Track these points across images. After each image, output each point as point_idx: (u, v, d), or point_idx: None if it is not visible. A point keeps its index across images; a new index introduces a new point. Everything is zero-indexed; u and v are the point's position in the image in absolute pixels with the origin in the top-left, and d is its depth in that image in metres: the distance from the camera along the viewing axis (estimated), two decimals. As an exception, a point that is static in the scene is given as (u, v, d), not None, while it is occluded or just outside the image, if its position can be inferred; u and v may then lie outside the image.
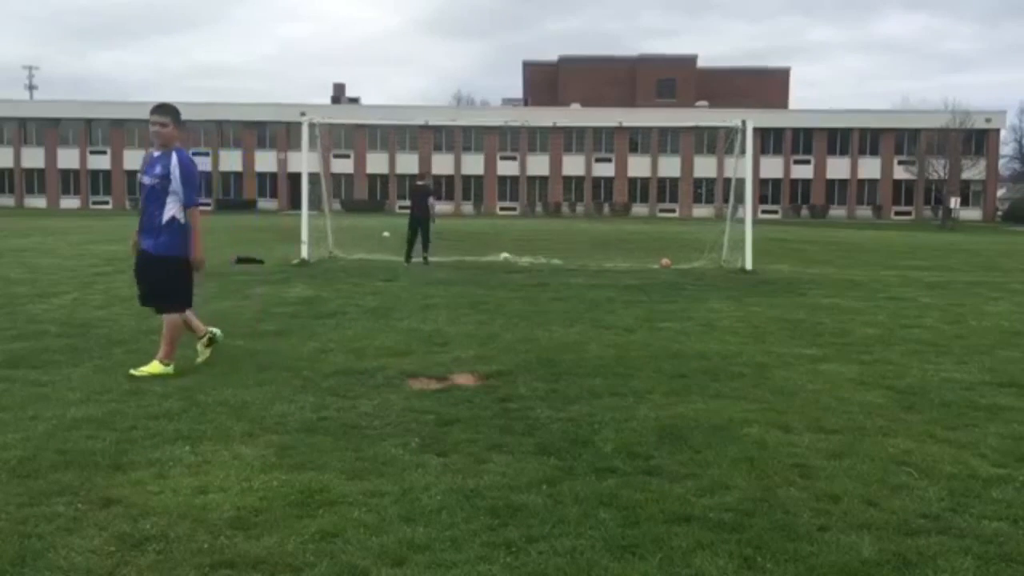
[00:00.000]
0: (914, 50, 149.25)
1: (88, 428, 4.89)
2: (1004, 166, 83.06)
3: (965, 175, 62.93)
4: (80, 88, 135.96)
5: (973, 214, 67.05)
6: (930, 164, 62.58)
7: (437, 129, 67.70)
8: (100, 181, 69.70)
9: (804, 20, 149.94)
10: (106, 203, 68.65)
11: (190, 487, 4.00)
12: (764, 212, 62.72)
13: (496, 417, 5.28)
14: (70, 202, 68.45)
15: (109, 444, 4.59)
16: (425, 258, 17.17)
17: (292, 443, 4.70)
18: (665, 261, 16.99)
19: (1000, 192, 78.97)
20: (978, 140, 66.54)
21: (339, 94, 76.43)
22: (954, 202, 60.25)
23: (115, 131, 68.73)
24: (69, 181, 69.72)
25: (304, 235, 17.04)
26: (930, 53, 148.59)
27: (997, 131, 68.91)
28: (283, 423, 5.09)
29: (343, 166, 66.02)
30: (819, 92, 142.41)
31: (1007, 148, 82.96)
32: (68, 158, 69.11)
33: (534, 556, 3.34)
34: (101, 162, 69.24)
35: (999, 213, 69.92)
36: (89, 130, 69.22)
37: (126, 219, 44.02)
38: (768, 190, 67.05)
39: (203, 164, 69.59)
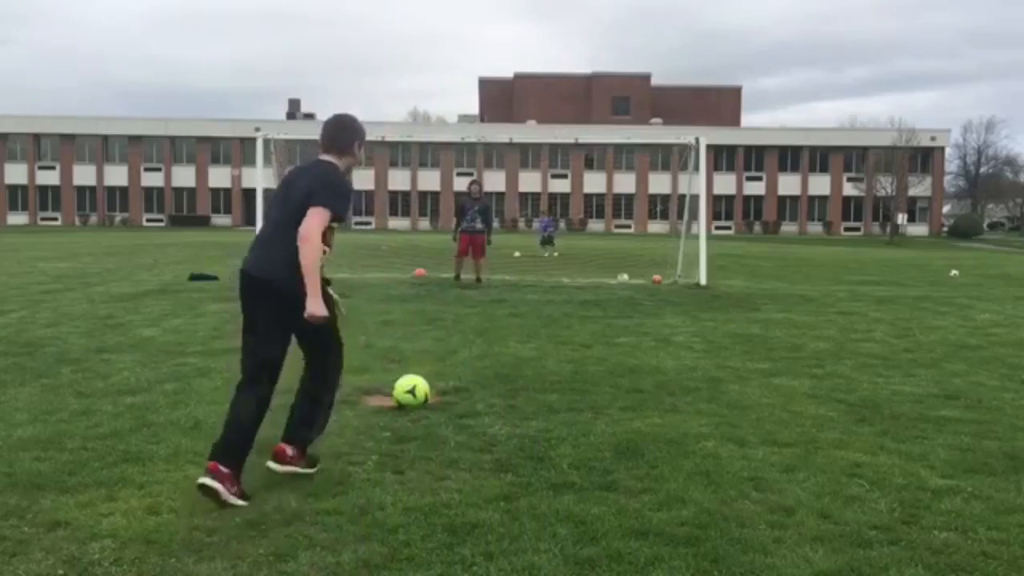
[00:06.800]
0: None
1: (35, 449, 4.77)
2: (949, 183, 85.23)
3: (911, 192, 64.50)
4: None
5: (920, 230, 68.71)
6: (878, 181, 64.05)
7: (393, 145, 67.64)
8: (49, 197, 68.38)
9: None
10: (55, 219, 67.34)
11: (140, 508, 3.91)
12: (718, 228, 63.72)
13: (453, 434, 5.26)
14: (17, 218, 67.04)
15: (57, 465, 4.48)
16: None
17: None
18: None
19: (945, 208, 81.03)
20: (924, 158, 68.29)
21: (294, 110, 75.93)
22: (901, 218, 61.73)
23: (65, 145, 67.56)
24: (17, 197, 68.31)
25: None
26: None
27: (942, 149, 70.78)
28: (237, 442, 5.00)
29: (298, 182, 65.32)
30: (770, 110, 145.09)
31: (952, 165, 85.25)
32: (16, 173, 67.74)
33: (492, 573, 3.33)
34: (50, 177, 67.95)
35: (944, 229, 71.70)
36: (37, 144, 67.96)
37: (76, 236, 43.18)
38: (721, 206, 68.08)
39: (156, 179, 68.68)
